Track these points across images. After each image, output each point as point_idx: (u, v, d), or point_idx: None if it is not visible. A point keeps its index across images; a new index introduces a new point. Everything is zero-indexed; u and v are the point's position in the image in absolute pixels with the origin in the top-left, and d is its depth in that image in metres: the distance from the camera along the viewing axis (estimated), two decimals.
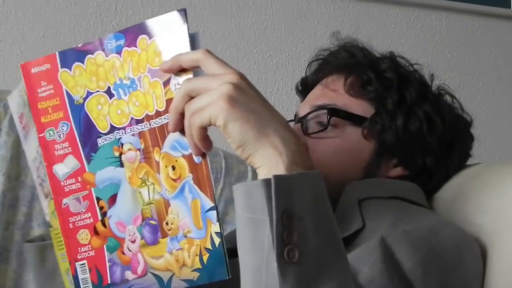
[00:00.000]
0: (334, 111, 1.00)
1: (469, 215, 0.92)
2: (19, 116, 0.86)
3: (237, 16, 1.88)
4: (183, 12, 0.74)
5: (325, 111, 1.01)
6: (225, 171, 1.51)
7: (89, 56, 0.79)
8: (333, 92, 1.04)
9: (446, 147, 1.03)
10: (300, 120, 1.04)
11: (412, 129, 1.01)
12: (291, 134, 0.70)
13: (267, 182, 0.64)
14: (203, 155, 0.74)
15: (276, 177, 0.65)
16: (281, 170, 0.67)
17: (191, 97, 0.71)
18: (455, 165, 1.04)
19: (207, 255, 0.73)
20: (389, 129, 1.00)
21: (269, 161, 0.68)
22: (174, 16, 0.74)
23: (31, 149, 0.85)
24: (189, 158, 0.74)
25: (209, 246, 0.73)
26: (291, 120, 1.12)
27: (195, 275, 0.74)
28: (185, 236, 0.75)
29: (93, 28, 1.74)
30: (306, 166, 0.70)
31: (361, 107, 1.02)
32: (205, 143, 0.72)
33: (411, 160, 1.02)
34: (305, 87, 1.14)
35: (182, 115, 0.72)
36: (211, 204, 0.74)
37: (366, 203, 0.92)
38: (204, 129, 0.70)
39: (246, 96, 0.69)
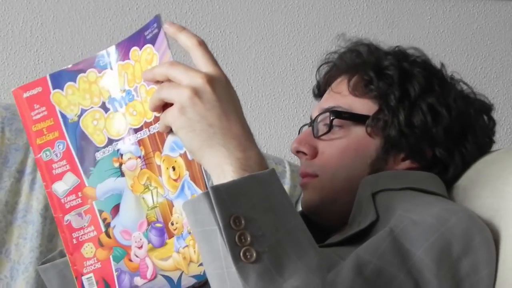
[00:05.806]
0: (336, 113, 1.04)
1: (486, 200, 0.92)
2: None
3: (270, 20, 1.90)
4: (158, 18, 0.77)
5: (328, 113, 1.04)
6: None
7: (81, 75, 0.82)
8: (338, 94, 1.08)
9: (457, 136, 1.03)
10: (311, 123, 1.08)
11: (416, 122, 1.02)
12: (238, 142, 0.72)
13: (207, 194, 0.67)
14: None
15: (215, 187, 0.68)
16: (228, 177, 0.70)
17: (167, 79, 0.75)
18: (472, 153, 1.04)
19: None
20: (391, 125, 1.02)
21: (215, 169, 0.72)
22: (151, 24, 0.77)
23: None
24: (184, 156, 0.77)
25: None
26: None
27: (201, 269, 0.76)
28: (189, 233, 0.77)
29: None
30: (258, 170, 0.72)
31: (365, 106, 1.05)
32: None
33: (419, 152, 1.03)
34: (318, 91, 1.18)
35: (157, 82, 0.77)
36: None
37: (379, 195, 0.94)
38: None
39: (201, 104, 0.72)
